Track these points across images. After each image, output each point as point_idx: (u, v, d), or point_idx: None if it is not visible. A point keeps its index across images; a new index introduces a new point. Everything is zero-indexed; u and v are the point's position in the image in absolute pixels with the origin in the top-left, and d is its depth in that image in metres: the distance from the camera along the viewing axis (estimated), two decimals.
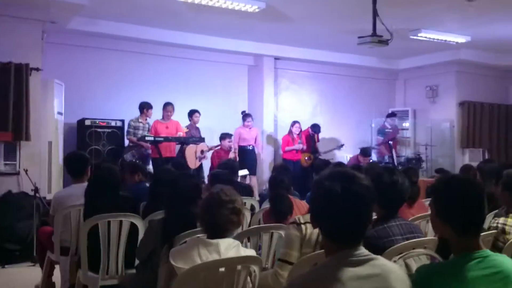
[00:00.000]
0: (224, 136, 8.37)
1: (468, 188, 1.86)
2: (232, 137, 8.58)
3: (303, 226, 2.63)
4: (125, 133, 7.83)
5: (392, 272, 1.63)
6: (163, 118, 7.96)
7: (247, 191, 5.31)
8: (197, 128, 8.39)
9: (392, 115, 10.34)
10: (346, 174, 1.66)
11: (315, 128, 9.51)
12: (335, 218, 1.62)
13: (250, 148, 8.82)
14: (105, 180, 3.72)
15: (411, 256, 2.33)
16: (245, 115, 9.00)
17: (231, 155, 8.49)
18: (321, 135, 9.94)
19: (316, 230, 2.57)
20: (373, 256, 1.64)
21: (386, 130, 10.18)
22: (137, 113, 7.91)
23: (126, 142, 7.91)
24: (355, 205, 1.61)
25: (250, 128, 8.95)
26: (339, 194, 1.59)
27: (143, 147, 7.62)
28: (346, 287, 1.52)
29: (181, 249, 2.40)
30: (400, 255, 2.33)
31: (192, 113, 8.30)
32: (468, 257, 1.78)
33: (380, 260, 1.65)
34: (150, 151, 7.71)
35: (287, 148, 9.18)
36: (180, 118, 8.25)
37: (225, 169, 5.02)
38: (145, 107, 7.76)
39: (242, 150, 8.74)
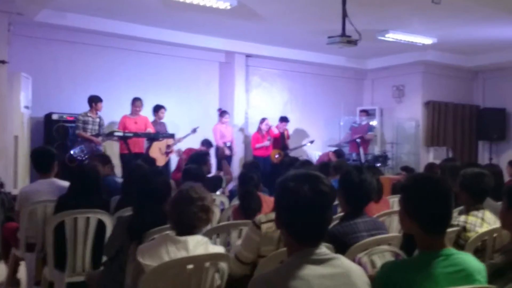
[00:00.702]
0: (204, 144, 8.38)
1: (436, 186, 1.91)
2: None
3: (263, 226, 2.65)
4: (75, 128, 7.45)
5: (353, 271, 1.69)
6: (131, 113, 7.88)
7: (216, 183, 5.32)
8: (163, 124, 8.33)
9: (363, 111, 10.54)
10: (310, 175, 1.70)
11: (283, 119, 9.59)
12: (300, 219, 1.65)
13: (228, 145, 8.90)
14: (91, 180, 3.68)
15: (376, 253, 2.40)
16: (223, 112, 9.07)
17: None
18: (291, 132, 10.04)
19: None
20: (334, 255, 1.70)
21: (353, 124, 10.37)
22: (108, 107, 7.81)
23: None
24: (320, 205, 1.66)
25: (227, 125, 9.05)
26: (305, 195, 1.63)
27: (92, 142, 7.31)
28: (309, 285, 1.57)
29: (149, 246, 2.41)
30: (365, 252, 2.41)
31: (158, 109, 8.24)
32: (433, 254, 1.83)
33: (341, 259, 1.71)
34: (101, 147, 7.45)
35: (257, 146, 9.25)
36: (150, 113, 8.21)
37: (195, 161, 5.03)
38: (93, 101, 7.44)
39: (220, 148, 8.85)
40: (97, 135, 7.41)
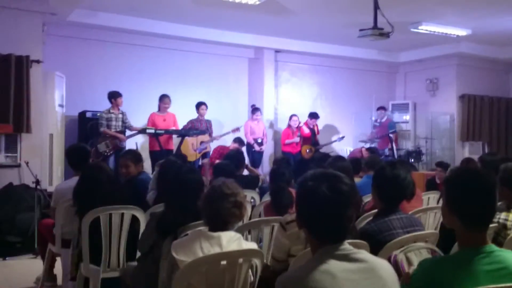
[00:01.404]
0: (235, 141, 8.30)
1: (481, 180, 1.84)
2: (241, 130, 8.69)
3: (288, 226, 2.61)
4: (99, 125, 7.40)
5: (379, 265, 1.66)
6: (159, 110, 7.89)
7: (253, 182, 5.28)
8: (206, 121, 8.35)
9: (380, 108, 10.31)
10: (329, 174, 1.70)
11: (313, 115, 9.55)
12: (320, 218, 1.65)
13: (259, 141, 8.92)
14: (94, 178, 3.67)
15: (412, 250, 2.34)
16: (255, 109, 9.11)
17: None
18: (321, 128, 9.95)
19: None
20: (358, 250, 1.67)
21: (375, 123, 10.22)
22: (139, 105, 7.89)
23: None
24: (339, 204, 1.65)
25: (258, 122, 9.05)
26: (324, 194, 1.63)
27: (117, 139, 7.31)
28: (335, 278, 1.55)
29: (183, 242, 2.41)
30: (401, 249, 2.35)
31: (198, 106, 8.26)
32: (474, 251, 1.77)
33: (365, 254, 1.68)
34: (125, 144, 7.42)
35: (286, 141, 9.23)
36: (180, 110, 8.24)
37: (231, 160, 5.03)
38: (113, 97, 7.40)
39: (250, 145, 8.89)
40: (121, 131, 7.43)
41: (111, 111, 7.42)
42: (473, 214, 1.81)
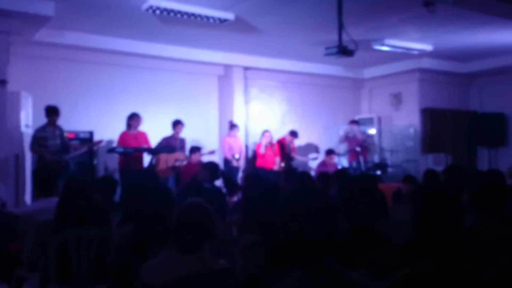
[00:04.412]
0: (194, 150, 8.18)
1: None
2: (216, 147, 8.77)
3: None
4: (30, 146, 6.87)
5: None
6: (129, 128, 7.75)
7: (219, 196, 5.28)
8: (181, 139, 8.33)
9: (353, 122, 10.48)
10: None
11: (293, 133, 9.67)
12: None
13: (237, 157, 8.93)
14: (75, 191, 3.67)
15: None
16: (233, 125, 9.15)
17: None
18: (295, 143, 10.09)
19: None
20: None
21: (348, 136, 10.38)
22: (109, 124, 7.81)
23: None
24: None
25: (235, 138, 9.12)
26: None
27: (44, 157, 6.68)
28: None
29: (153, 264, 2.41)
30: None
31: (176, 124, 8.25)
32: None
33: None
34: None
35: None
36: (151, 129, 8.20)
37: (207, 172, 5.06)
38: (49, 114, 6.90)
39: (228, 160, 8.89)
40: (63, 149, 6.92)
41: (46, 129, 6.88)
42: None
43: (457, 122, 11.20)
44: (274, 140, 9.52)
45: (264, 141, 9.17)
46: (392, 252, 2.52)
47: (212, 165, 5.64)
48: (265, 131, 9.32)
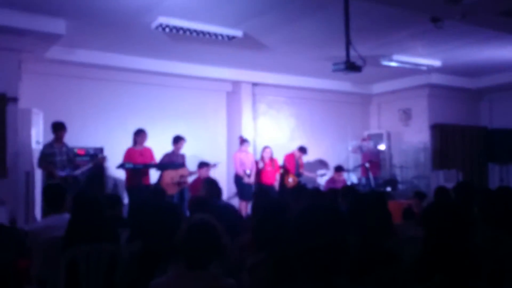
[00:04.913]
0: (202, 165, 8.19)
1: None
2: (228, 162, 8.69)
3: None
4: (38, 162, 6.87)
5: None
6: (135, 144, 7.72)
7: (230, 213, 5.25)
8: (182, 155, 8.28)
9: (366, 138, 10.62)
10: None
11: (302, 149, 9.65)
12: None
13: (248, 173, 8.83)
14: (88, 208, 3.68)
15: None
16: (243, 141, 9.07)
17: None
18: (304, 159, 10.07)
19: None
20: None
21: (362, 149, 10.39)
22: (118, 141, 7.84)
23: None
24: None
25: (247, 153, 9.05)
26: None
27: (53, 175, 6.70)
28: None
29: (162, 282, 2.41)
30: None
31: (178, 140, 8.13)
32: None
33: None
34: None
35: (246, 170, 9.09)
36: (159, 145, 8.23)
37: (208, 191, 5.03)
38: (55, 129, 6.88)
39: (240, 176, 8.81)
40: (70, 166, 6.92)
41: (54, 145, 6.87)
42: None
43: (468, 138, 11.13)
44: (282, 156, 9.52)
45: (265, 156, 9.11)
46: (402, 270, 2.49)
47: (211, 180, 5.61)
48: (266, 147, 9.28)
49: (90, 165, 7.33)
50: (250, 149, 9.86)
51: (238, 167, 8.86)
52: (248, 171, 8.84)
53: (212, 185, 5.26)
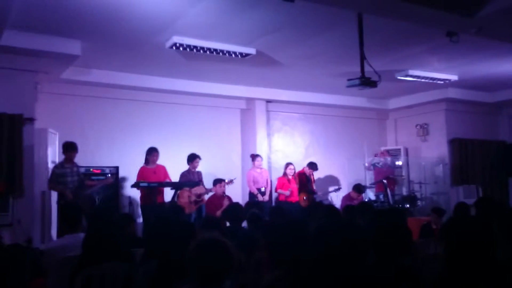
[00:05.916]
0: (217, 182, 8.14)
1: None
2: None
3: None
4: (48, 182, 6.89)
5: None
6: (147, 163, 7.71)
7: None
8: (198, 173, 8.25)
9: (384, 152, 10.52)
10: None
11: (312, 166, 9.48)
12: None
13: (263, 191, 8.72)
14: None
15: None
16: (255, 156, 8.94)
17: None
18: (315, 175, 9.97)
19: None
20: None
21: (377, 164, 10.26)
22: (133, 159, 7.86)
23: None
24: None
25: (261, 169, 8.93)
26: None
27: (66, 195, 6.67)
28: None
29: None
30: None
31: (193, 158, 8.11)
32: None
33: None
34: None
35: (278, 191, 9.00)
36: (173, 163, 8.22)
37: (230, 215, 4.98)
38: (66, 150, 6.85)
39: (254, 194, 8.68)
40: (80, 186, 6.90)
41: (65, 165, 6.83)
42: None
43: (486, 152, 10.94)
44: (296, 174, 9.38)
45: (289, 173, 9.00)
46: None
47: (234, 205, 5.54)
48: (290, 163, 9.15)
49: (99, 185, 7.36)
50: (264, 165, 9.80)
51: (251, 186, 8.77)
52: (262, 189, 8.75)
53: (234, 210, 5.19)
